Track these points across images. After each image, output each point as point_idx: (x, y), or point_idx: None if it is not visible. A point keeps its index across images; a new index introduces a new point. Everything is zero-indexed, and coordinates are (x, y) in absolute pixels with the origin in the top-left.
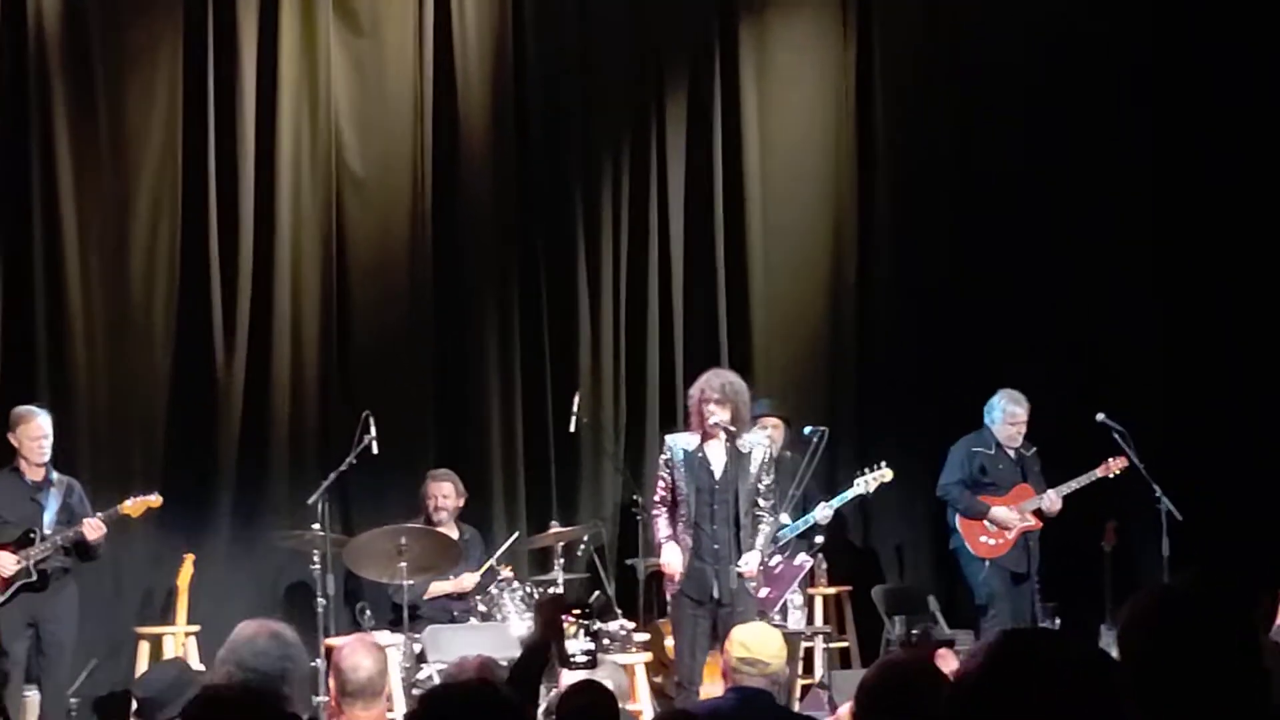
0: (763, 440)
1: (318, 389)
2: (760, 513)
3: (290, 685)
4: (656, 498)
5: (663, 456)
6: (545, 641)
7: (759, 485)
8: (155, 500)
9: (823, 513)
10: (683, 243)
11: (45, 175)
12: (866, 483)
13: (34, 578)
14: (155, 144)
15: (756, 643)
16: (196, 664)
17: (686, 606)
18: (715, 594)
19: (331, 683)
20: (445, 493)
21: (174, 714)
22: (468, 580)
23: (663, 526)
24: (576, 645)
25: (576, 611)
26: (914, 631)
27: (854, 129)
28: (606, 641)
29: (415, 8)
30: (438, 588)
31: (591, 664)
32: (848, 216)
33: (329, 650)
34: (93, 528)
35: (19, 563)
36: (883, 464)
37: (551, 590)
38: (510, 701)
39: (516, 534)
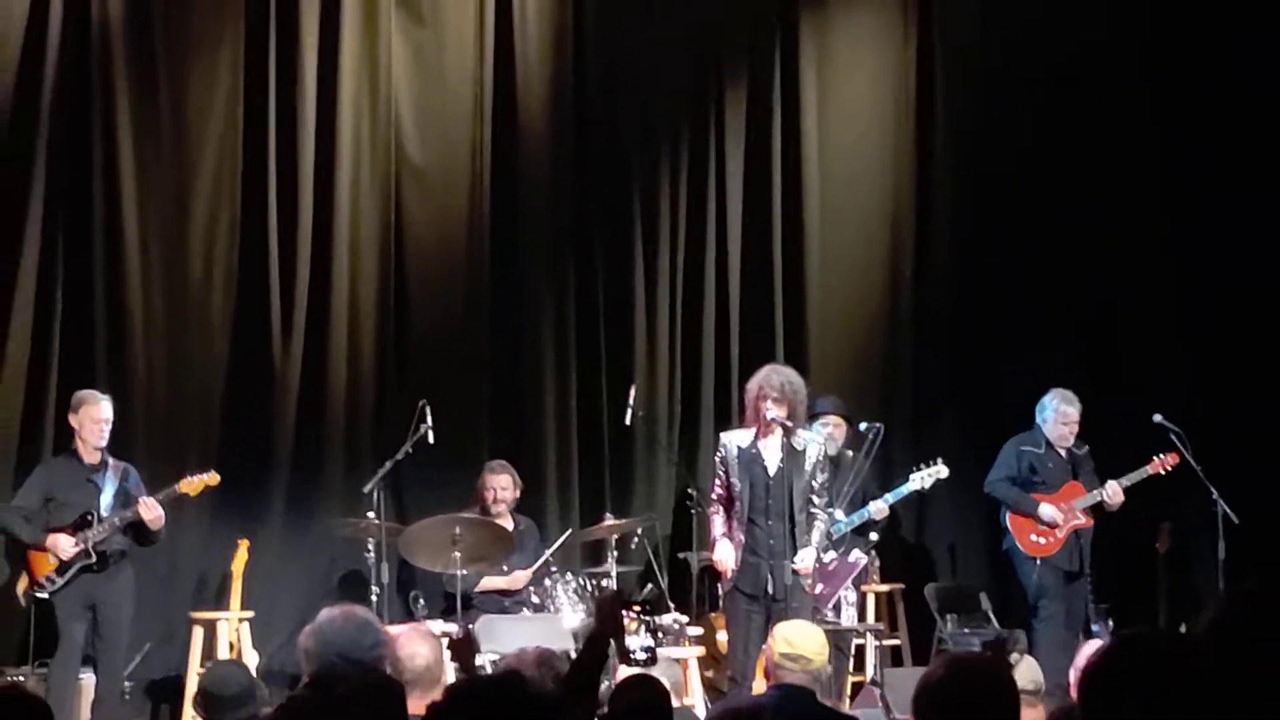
0: (817, 438)
1: (374, 378)
2: (814, 510)
3: (388, 669)
4: (713, 495)
5: (717, 454)
6: (605, 637)
7: (813, 483)
8: (213, 478)
9: (877, 507)
10: (740, 237)
11: (106, 162)
12: (923, 479)
13: (93, 559)
14: (215, 132)
15: (799, 639)
16: (249, 650)
17: (740, 602)
18: (769, 589)
19: (388, 670)
20: (504, 484)
21: (242, 716)
22: (520, 577)
23: (718, 523)
24: (636, 641)
25: (637, 608)
26: (988, 639)
27: (913, 125)
28: (661, 636)
29: None
30: (490, 582)
31: (651, 660)
32: (905, 212)
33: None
34: (148, 506)
35: (77, 545)
36: (939, 460)
37: (610, 586)
38: (538, 695)
39: (569, 531)
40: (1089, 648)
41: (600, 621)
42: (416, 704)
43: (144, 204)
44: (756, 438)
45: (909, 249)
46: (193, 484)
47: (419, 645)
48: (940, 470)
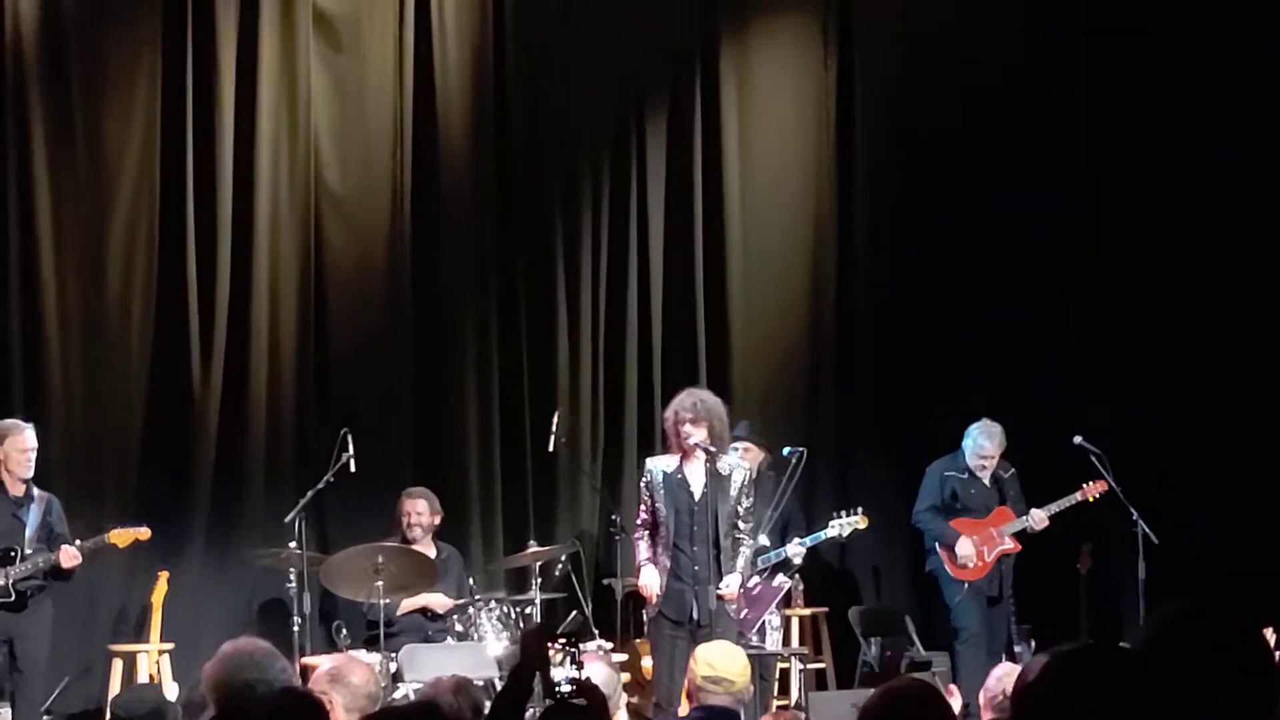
0: (741, 463)
1: (294, 407)
2: (740, 535)
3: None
4: (638, 520)
5: (642, 480)
6: (529, 669)
7: (739, 508)
8: (144, 533)
9: (794, 549)
10: (662, 263)
11: (22, 194)
12: (840, 526)
13: (12, 597)
14: (133, 162)
15: (721, 661)
16: (170, 682)
17: (665, 628)
18: (694, 615)
19: (334, 698)
20: (420, 509)
21: None
22: (440, 599)
23: (643, 549)
24: (561, 673)
25: (563, 640)
26: (887, 653)
27: (834, 149)
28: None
29: (395, 26)
30: (410, 602)
31: (577, 694)
32: (827, 237)
33: (304, 669)
34: (69, 556)
35: None
36: (859, 510)
37: (537, 618)
38: None
39: (501, 594)
40: (1001, 670)
41: (524, 654)
42: None
43: (60, 236)
44: (682, 463)
45: (831, 275)
46: (122, 535)
47: (368, 673)
48: (858, 521)
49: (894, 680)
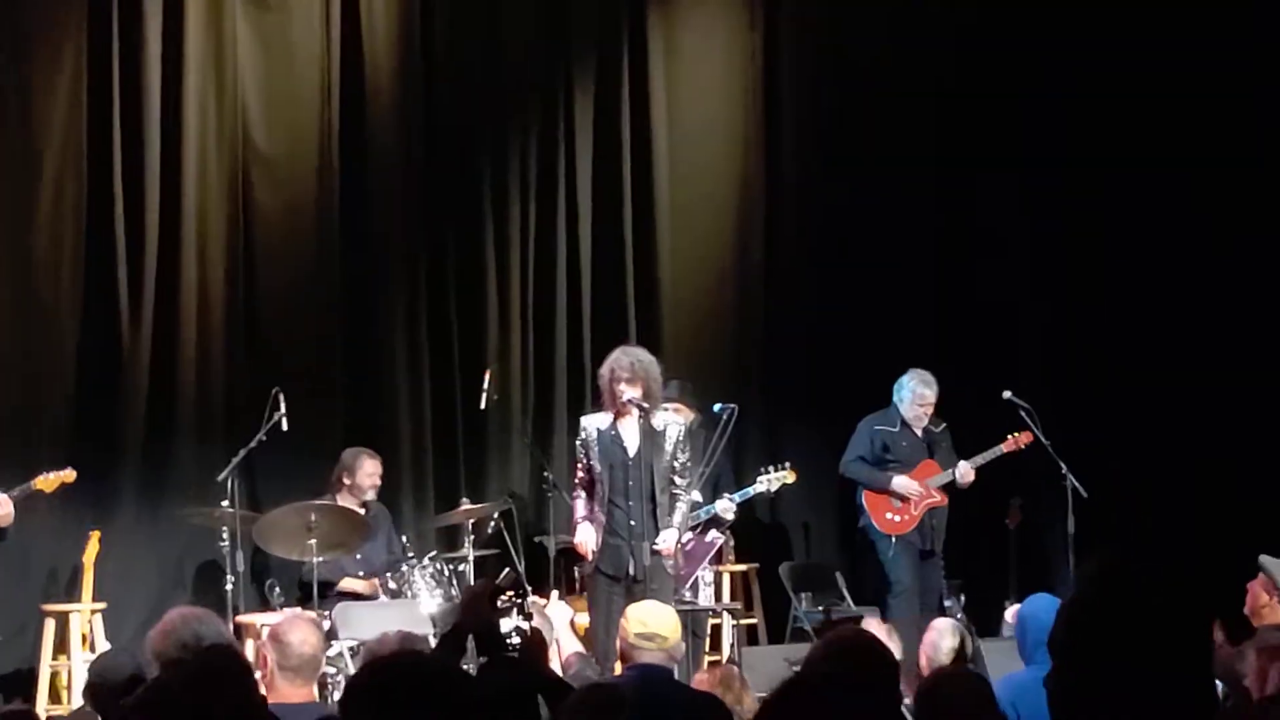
0: (676, 418)
1: (224, 366)
2: (677, 490)
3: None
4: (575, 479)
5: (578, 438)
6: (463, 629)
7: (674, 463)
8: (69, 475)
9: (724, 505)
10: (590, 222)
11: None
12: (769, 481)
13: None
14: (59, 121)
15: (653, 618)
16: (103, 642)
17: (602, 583)
18: (630, 570)
19: (270, 656)
20: (377, 470)
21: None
22: (377, 583)
23: (580, 507)
24: (509, 624)
25: (510, 593)
26: (824, 611)
27: (760, 109)
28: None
29: None
30: (349, 584)
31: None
32: (754, 196)
33: (238, 628)
34: None
35: None
36: (786, 465)
37: (469, 577)
38: (455, 672)
39: (434, 554)
40: (940, 625)
41: (463, 614)
42: (292, 693)
43: None
44: (615, 420)
45: (758, 234)
46: (49, 480)
47: (308, 632)
48: (787, 476)
49: (837, 630)
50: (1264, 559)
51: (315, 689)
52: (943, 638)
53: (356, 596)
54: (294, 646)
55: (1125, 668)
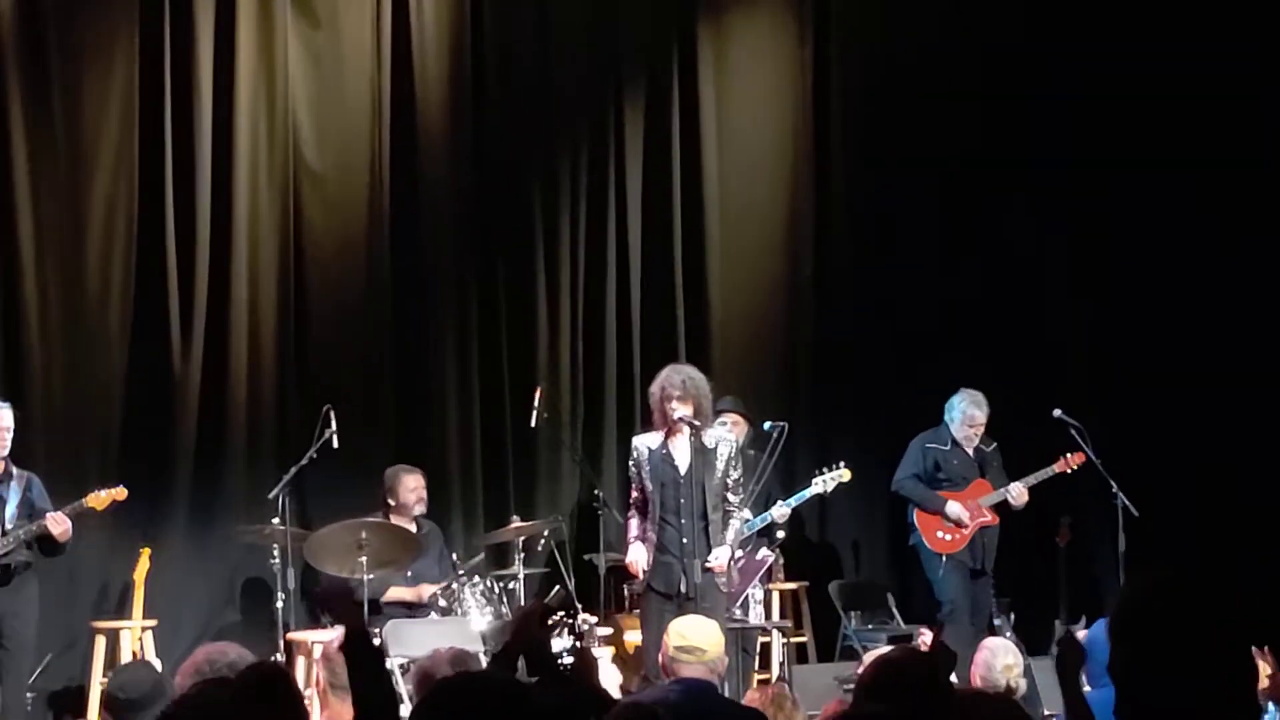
0: (727, 435)
1: (275, 384)
2: (730, 507)
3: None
4: (631, 499)
5: (631, 459)
6: (515, 651)
7: (727, 480)
8: (120, 493)
9: (780, 511)
10: (640, 240)
11: (0, 171)
12: (825, 482)
13: None
14: (111, 139)
15: (693, 631)
16: (153, 659)
17: (654, 601)
18: (682, 588)
19: (322, 674)
20: (422, 484)
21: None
22: (426, 590)
23: (633, 527)
24: (560, 644)
25: (560, 614)
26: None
27: (810, 126)
28: (583, 639)
29: (373, 2)
30: (396, 593)
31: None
32: (804, 213)
33: (289, 645)
34: (56, 521)
35: None
36: (841, 464)
37: (519, 595)
38: (522, 690)
39: (481, 555)
40: (992, 644)
41: (515, 634)
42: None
43: (39, 212)
44: (667, 439)
45: (809, 250)
46: (100, 498)
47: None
48: (843, 474)
49: (888, 651)
50: None
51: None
52: (996, 656)
53: (405, 606)
54: (340, 668)
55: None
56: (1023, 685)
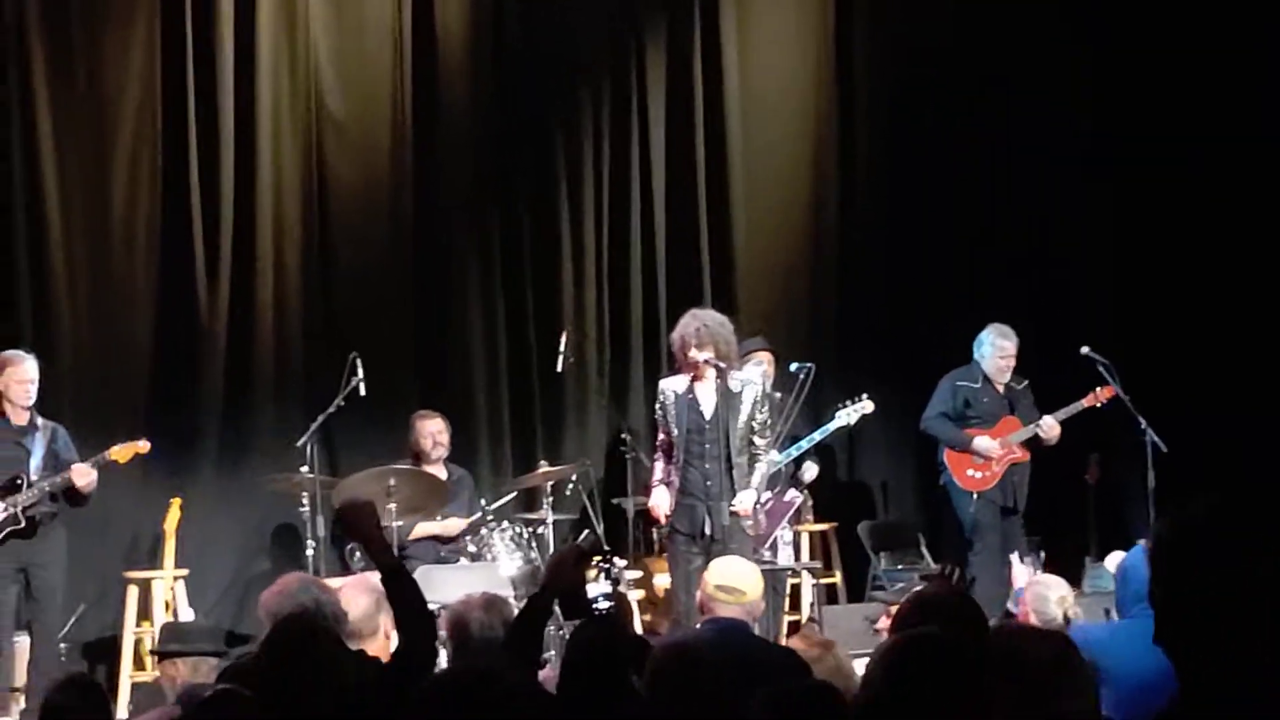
0: (754, 378)
1: (301, 332)
2: (757, 450)
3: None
4: (657, 442)
5: (657, 402)
6: (551, 595)
7: (753, 423)
8: (143, 446)
9: (809, 469)
10: (664, 181)
11: (24, 127)
12: (849, 415)
13: (22, 524)
14: (134, 92)
15: (732, 573)
16: (185, 608)
17: (679, 543)
18: (706, 530)
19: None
20: (439, 429)
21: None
22: (454, 524)
23: (658, 471)
24: (596, 589)
25: (598, 558)
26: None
27: (834, 65)
28: (620, 583)
29: None
30: (424, 528)
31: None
32: (829, 153)
33: None
34: (81, 473)
35: (6, 510)
36: (864, 396)
37: (549, 539)
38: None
39: (513, 494)
40: (1046, 579)
41: (549, 578)
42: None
43: (64, 165)
44: (692, 383)
45: (833, 191)
46: (123, 451)
47: (353, 599)
48: (865, 405)
49: (924, 588)
50: None
51: (382, 646)
52: (1050, 589)
53: (436, 540)
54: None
55: (1212, 612)
56: (1080, 614)
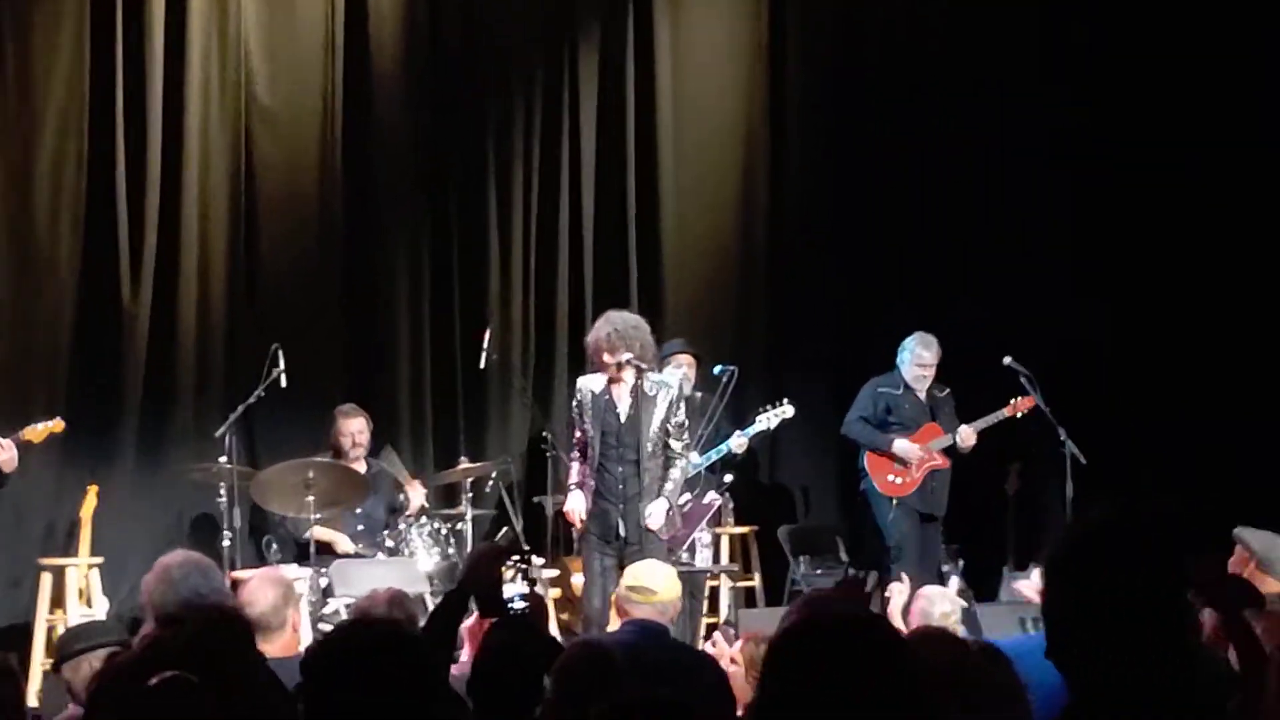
0: (670, 381)
1: (225, 321)
2: (672, 453)
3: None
4: (574, 440)
5: (574, 400)
6: (468, 590)
7: (668, 425)
8: (58, 425)
9: (737, 441)
10: (593, 181)
11: None
12: (769, 419)
13: None
14: (61, 75)
15: (645, 574)
16: (99, 596)
17: (593, 546)
18: (620, 533)
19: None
20: (359, 428)
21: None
22: (341, 545)
23: (574, 472)
24: (513, 589)
25: (515, 557)
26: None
27: (766, 69)
28: (536, 583)
29: None
30: (318, 534)
31: (529, 609)
32: (759, 156)
33: (234, 583)
34: (1, 448)
35: None
36: (784, 400)
37: (467, 535)
38: (417, 640)
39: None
40: (929, 592)
41: (466, 575)
42: (272, 645)
43: None
44: (610, 383)
45: (762, 194)
46: (37, 431)
47: (261, 591)
48: (786, 410)
49: (814, 591)
50: (1239, 530)
51: (287, 642)
52: (934, 604)
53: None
54: (244, 607)
55: (1101, 629)
56: (961, 633)
